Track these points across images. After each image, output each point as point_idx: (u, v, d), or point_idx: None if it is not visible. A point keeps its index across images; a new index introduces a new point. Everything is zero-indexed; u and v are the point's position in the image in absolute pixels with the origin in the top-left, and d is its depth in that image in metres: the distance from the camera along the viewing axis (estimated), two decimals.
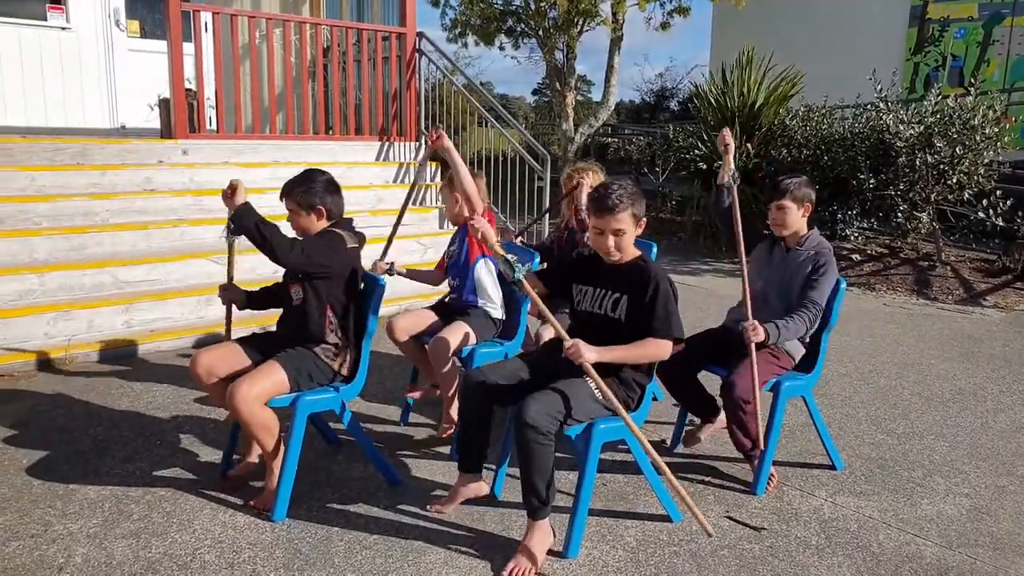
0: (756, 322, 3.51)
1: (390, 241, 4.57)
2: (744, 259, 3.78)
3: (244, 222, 3.22)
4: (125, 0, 9.02)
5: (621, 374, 3.18)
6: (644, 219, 3.21)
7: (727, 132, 4.01)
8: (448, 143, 4.00)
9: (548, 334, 4.32)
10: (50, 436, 4.07)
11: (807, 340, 3.80)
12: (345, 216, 3.65)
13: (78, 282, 5.69)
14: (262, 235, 3.20)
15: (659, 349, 3.11)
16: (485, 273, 4.21)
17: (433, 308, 4.30)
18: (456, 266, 4.28)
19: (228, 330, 3.89)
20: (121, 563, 2.95)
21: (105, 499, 3.42)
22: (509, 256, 3.13)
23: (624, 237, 3.15)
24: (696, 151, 10.53)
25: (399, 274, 4.31)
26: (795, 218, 3.81)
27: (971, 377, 5.52)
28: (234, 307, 3.84)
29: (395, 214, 7.13)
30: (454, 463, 3.80)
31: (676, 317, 3.12)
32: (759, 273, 3.93)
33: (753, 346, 3.50)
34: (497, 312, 4.21)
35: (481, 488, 3.37)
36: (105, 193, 6.54)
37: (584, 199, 4.19)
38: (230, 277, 3.82)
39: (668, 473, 3.16)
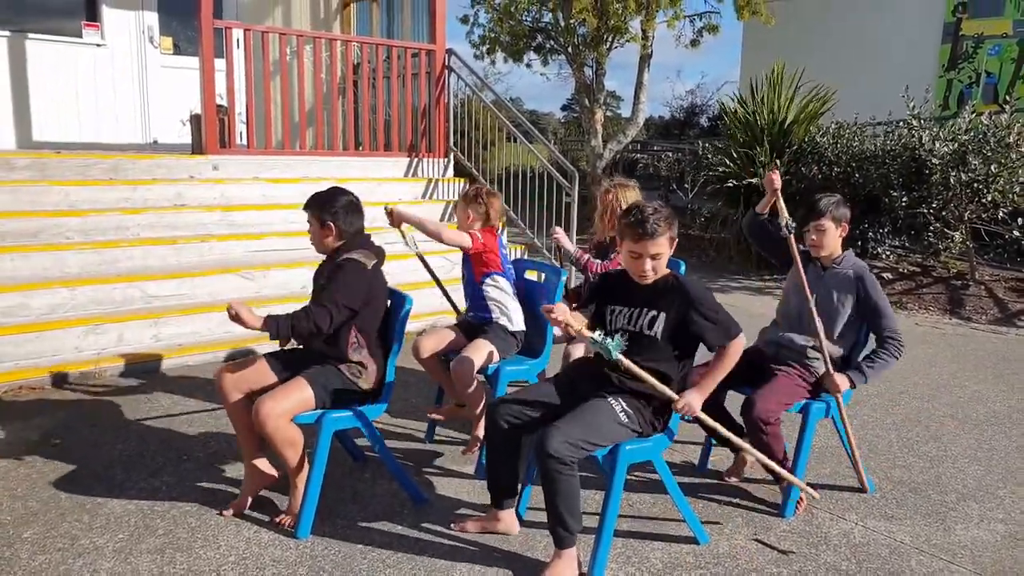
0: (840, 374, 3.53)
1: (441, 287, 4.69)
2: (809, 294, 3.66)
3: (281, 335, 3.29)
4: (159, 17, 9.14)
5: (649, 396, 3.13)
6: (676, 239, 3.19)
7: (775, 175, 3.81)
8: (401, 211, 4.28)
9: (577, 352, 4.30)
10: (78, 450, 4.10)
11: (840, 363, 3.75)
12: (367, 231, 3.65)
13: (108, 296, 5.74)
14: (300, 331, 3.30)
15: (733, 353, 3.13)
16: (494, 289, 4.21)
17: (457, 326, 4.29)
18: (468, 285, 4.30)
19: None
20: None
21: (131, 514, 3.43)
22: (596, 336, 3.04)
23: (660, 260, 3.13)
24: (723, 168, 10.47)
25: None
26: (833, 238, 3.76)
27: (1006, 399, 5.41)
28: None
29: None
30: (479, 481, 3.80)
31: (726, 314, 3.14)
32: (794, 293, 3.86)
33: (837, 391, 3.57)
34: (514, 325, 4.20)
35: (513, 527, 3.34)
36: (136, 208, 6.61)
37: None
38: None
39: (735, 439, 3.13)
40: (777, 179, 3.79)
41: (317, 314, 3.30)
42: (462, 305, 4.58)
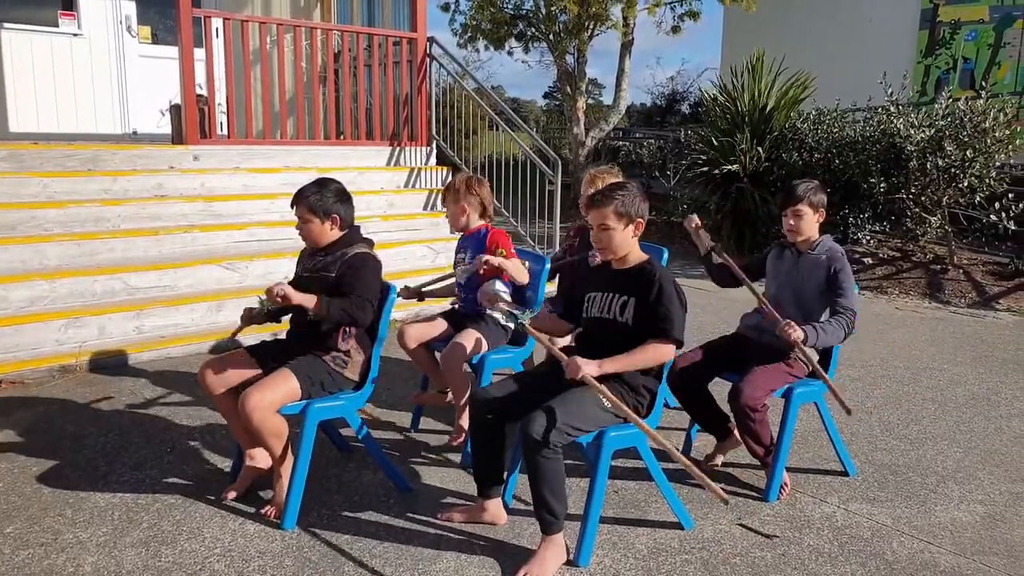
0: (791, 321, 3.48)
1: (431, 284, 4.58)
2: (755, 288, 3.80)
3: (332, 318, 3.33)
4: (136, 6, 9.04)
5: (630, 380, 3.15)
6: (640, 220, 3.19)
7: (694, 217, 4.10)
8: (495, 262, 4.11)
9: (562, 341, 4.30)
10: (60, 443, 4.08)
11: (818, 352, 3.77)
12: (356, 223, 3.65)
13: (89, 288, 5.70)
14: (351, 317, 3.34)
15: (660, 352, 3.08)
16: (501, 287, 4.19)
17: (443, 315, 4.28)
18: (468, 279, 4.28)
19: (235, 333, 3.85)
20: (131, 572, 2.95)
21: (115, 507, 3.42)
22: (513, 310, 3.37)
23: (611, 234, 3.14)
24: (705, 156, 10.50)
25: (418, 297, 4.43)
26: (810, 223, 3.78)
27: (984, 382, 5.48)
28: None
29: (407, 218, 7.13)
30: (465, 471, 3.81)
31: (679, 320, 3.09)
32: (772, 279, 3.91)
33: (799, 345, 3.53)
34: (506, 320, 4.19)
35: (500, 516, 3.34)
36: (116, 199, 6.56)
37: None
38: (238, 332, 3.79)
39: (686, 462, 3.14)
40: (696, 220, 4.07)
41: (365, 309, 3.35)
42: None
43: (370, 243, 3.63)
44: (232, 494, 3.51)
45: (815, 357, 3.79)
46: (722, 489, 3.66)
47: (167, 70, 8.66)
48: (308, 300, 3.28)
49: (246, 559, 3.05)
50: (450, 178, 8.55)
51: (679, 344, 3.11)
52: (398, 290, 4.12)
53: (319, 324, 3.44)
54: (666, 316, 3.07)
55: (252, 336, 4.70)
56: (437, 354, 4.14)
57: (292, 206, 3.54)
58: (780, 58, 10.55)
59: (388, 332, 3.63)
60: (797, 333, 3.45)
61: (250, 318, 3.62)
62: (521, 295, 4.31)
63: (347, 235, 3.55)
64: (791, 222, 3.79)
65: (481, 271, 4.11)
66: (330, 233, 3.53)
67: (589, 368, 2.95)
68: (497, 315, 3.76)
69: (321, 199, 3.48)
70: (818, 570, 3.06)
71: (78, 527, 3.25)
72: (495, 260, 4.05)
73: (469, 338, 3.95)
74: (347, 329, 3.47)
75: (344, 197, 3.56)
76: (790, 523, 3.43)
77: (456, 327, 4.10)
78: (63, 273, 5.66)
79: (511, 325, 3.48)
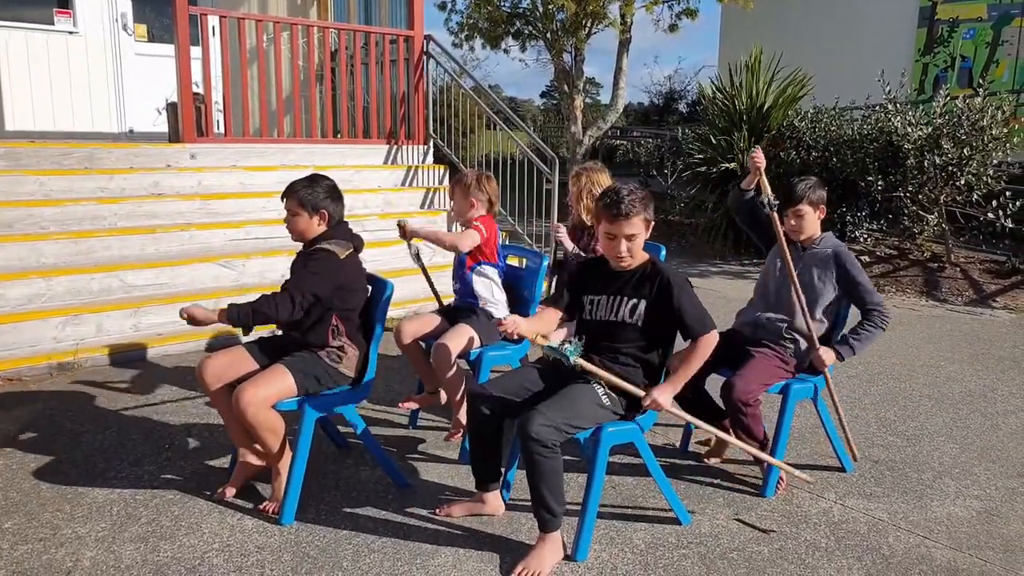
0: (826, 348, 3.54)
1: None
2: (794, 275, 3.70)
3: (242, 322, 3.25)
4: (133, 4, 9.04)
5: (632, 378, 3.16)
6: (653, 222, 3.21)
7: (758, 151, 3.85)
8: (413, 227, 4.17)
9: (555, 339, 4.30)
10: (59, 440, 4.08)
11: (821, 340, 3.78)
12: (347, 219, 3.65)
13: (86, 286, 5.70)
14: (262, 314, 3.27)
15: (707, 346, 3.13)
16: (484, 278, 4.20)
17: (440, 312, 4.28)
18: (458, 268, 4.29)
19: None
20: (129, 567, 2.95)
21: (113, 503, 3.42)
22: (552, 343, 3.08)
23: (636, 241, 3.15)
24: (702, 154, 10.50)
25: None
26: (811, 222, 3.79)
27: (981, 379, 5.49)
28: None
29: (404, 216, 7.13)
30: (463, 466, 3.82)
31: (704, 311, 3.15)
32: (772, 274, 3.90)
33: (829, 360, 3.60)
34: (499, 312, 4.19)
35: (499, 508, 3.36)
36: (113, 197, 6.55)
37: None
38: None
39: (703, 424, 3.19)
40: (760, 157, 3.82)
41: (280, 300, 3.29)
42: (449, 296, 4.55)
43: (357, 240, 3.60)
44: (229, 492, 3.51)
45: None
46: (718, 484, 3.69)
47: (163, 68, 8.66)
48: (210, 315, 3.23)
49: (244, 554, 3.05)
50: (447, 177, 8.62)
51: (715, 329, 3.15)
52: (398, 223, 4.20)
53: (312, 323, 3.44)
54: (697, 312, 3.12)
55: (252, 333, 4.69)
56: None
57: (282, 199, 3.54)
58: (778, 56, 10.56)
59: (384, 329, 3.63)
60: (830, 358, 3.52)
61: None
62: (518, 293, 4.31)
63: (330, 231, 3.54)
64: (792, 223, 3.79)
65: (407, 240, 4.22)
66: (316, 228, 3.52)
67: (665, 399, 3.07)
68: (542, 351, 3.50)
69: (312, 194, 3.48)
70: (815, 564, 3.07)
71: (77, 522, 3.25)
72: (411, 225, 4.18)
73: (460, 335, 3.92)
74: (335, 327, 3.47)
75: (335, 194, 3.55)
76: (787, 518, 3.43)
77: (452, 322, 4.10)
78: (60, 271, 5.66)
79: (568, 363, 3.20)
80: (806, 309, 3.68)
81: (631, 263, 3.20)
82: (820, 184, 3.83)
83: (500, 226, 4.48)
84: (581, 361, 3.07)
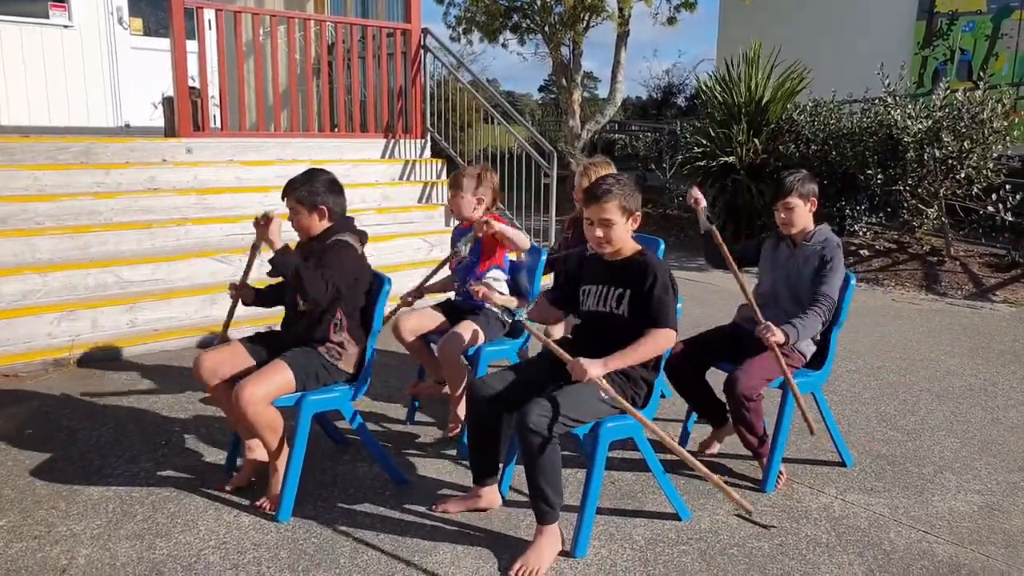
0: (770, 324, 3.46)
1: (426, 282, 4.50)
2: (740, 277, 3.75)
3: (285, 268, 3.25)
4: None
5: (628, 371, 3.14)
6: (638, 213, 3.17)
7: (695, 190, 4.02)
8: (496, 227, 4.07)
9: (557, 332, 4.29)
10: (54, 437, 4.05)
11: (818, 337, 3.75)
12: (348, 214, 3.62)
13: (82, 282, 5.67)
14: (300, 279, 3.22)
15: (661, 340, 3.06)
16: (495, 283, 4.17)
17: (439, 308, 4.26)
18: (465, 269, 4.25)
19: (226, 329, 3.84)
20: (125, 564, 2.92)
21: (109, 500, 3.39)
22: (509, 305, 3.47)
23: (613, 228, 3.12)
24: (699, 149, 10.47)
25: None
26: (802, 215, 3.76)
27: (981, 372, 5.47)
28: (238, 305, 3.79)
29: (401, 211, 7.09)
30: (461, 462, 3.79)
31: (672, 308, 3.08)
32: (767, 272, 3.88)
33: (776, 348, 3.46)
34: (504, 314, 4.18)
35: (495, 501, 3.34)
36: (109, 192, 6.52)
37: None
38: (245, 277, 3.75)
39: (694, 461, 3.17)
40: (697, 193, 4.01)
41: (319, 279, 3.25)
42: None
43: (362, 235, 3.59)
44: (233, 486, 3.49)
45: (811, 349, 3.77)
46: (717, 479, 3.66)
47: (159, 62, 8.62)
48: (274, 239, 3.28)
49: (241, 551, 3.03)
50: (444, 171, 8.59)
51: (671, 331, 3.08)
52: (400, 299, 4.13)
53: (314, 317, 3.42)
54: (660, 304, 3.06)
55: (247, 328, 4.67)
56: (433, 346, 4.13)
57: (283, 197, 3.52)
58: (776, 49, 10.52)
59: (383, 325, 3.60)
60: (777, 336, 3.44)
61: (238, 296, 3.75)
62: (517, 286, 4.29)
63: (336, 225, 3.51)
64: (782, 215, 3.77)
65: (480, 234, 4.09)
66: (319, 224, 3.49)
67: (595, 370, 2.93)
68: (495, 308, 3.78)
69: (310, 190, 3.45)
70: (816, 560, 3.05)
71: (72, 520, 3.23)
72: (496, 224, 4.04)
73: (467, 330, 3.93)
74: (338, 321, 3.44)
75: (334, 188, 3.52)
76: (787, 514, 3.41)
77: (453, 320, 4.08)
78: (55, 267, 5.62)
79: (508, 319, 3.52)
80: (748, 292, 3.71)
81: (609, 250, 3.18)
82: (810, 177, 3.80)
83: None
84: (526, 323, 3.38)
